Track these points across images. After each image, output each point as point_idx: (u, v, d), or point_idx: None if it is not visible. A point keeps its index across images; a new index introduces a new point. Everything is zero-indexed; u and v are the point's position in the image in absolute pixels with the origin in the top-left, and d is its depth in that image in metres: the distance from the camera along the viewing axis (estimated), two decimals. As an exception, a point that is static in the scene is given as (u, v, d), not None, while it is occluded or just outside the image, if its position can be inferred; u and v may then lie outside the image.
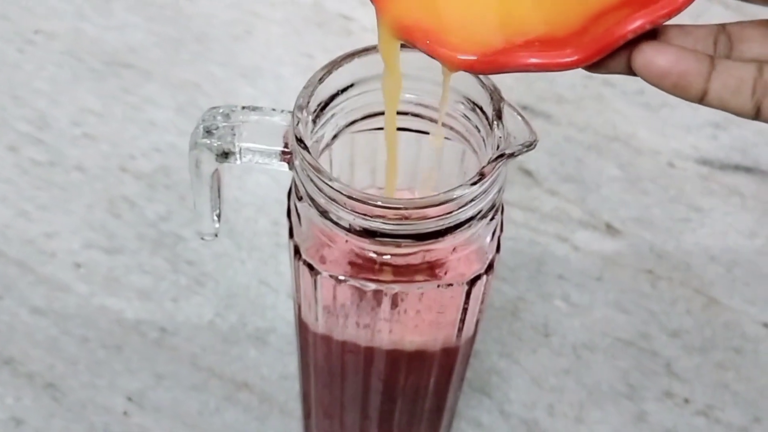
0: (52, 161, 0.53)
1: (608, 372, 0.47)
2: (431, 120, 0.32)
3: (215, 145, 0.29)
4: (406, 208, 0.27)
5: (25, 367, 0.46)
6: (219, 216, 0.33)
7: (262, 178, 0.53)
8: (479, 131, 0.31)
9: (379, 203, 0.27)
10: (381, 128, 0.33)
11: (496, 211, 0.30)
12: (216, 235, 0.34)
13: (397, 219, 0.27)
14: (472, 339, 0.34)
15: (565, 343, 0.48)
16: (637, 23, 0.23)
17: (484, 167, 0.28)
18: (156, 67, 0.58)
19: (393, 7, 0.25)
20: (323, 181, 0.28)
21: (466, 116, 0.31)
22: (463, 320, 0.32)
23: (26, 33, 0.59)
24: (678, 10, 0.24)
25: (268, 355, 0.47)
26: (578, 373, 0.47)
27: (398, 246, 0.28)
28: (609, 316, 0.49)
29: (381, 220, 0.28)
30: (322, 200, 0.28)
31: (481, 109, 0.31)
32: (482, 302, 0.32)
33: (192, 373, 0.46)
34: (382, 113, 0.32)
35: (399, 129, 0.33)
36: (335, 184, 0.27)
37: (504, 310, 0.49)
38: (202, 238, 0.34)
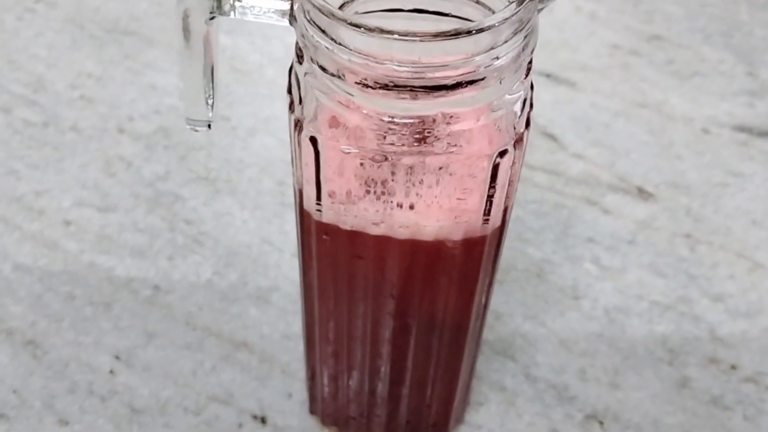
0: (46, 122, 0.50)
1: (645, 336, 0.43)
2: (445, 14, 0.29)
3: (207, -10, 0.26)
4: (420, 36, 0.23)
5: (5, 324, 0.42)
6: (212, 101, 0.29)
7: (267, 139, 0.50)
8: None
9: (396, 36, 0.24)
10: (391, 9, 0.30)
11: (525, 72, 0.26)
12: (209, 126, 0.30)
13: (410, 61, 0.24)
14: (499, 236, 0.30)
15: (597, 306, 0.44)
16: None
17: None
18: (159, 35, 0.55)
19: None
20: (324, 14, 0.24)
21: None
22: (489, 205, 0.28)
23: (27, 2, 0.57)
24: None
25: (269, 314, 0.43)
26: (612, 337, 0.43)
27: (414, 98, 0.25)
28: (644, 279, 0.45)
29: (395, 63, 0.24)
30: (325, 45, 0.25)
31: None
32: (510, 186, 0.28)
33: (186, 332, 0.42)
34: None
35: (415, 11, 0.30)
36: (338, 13, 0.24)
37: (528, 272, 0.45)
38: (194, 129, 0.30)
